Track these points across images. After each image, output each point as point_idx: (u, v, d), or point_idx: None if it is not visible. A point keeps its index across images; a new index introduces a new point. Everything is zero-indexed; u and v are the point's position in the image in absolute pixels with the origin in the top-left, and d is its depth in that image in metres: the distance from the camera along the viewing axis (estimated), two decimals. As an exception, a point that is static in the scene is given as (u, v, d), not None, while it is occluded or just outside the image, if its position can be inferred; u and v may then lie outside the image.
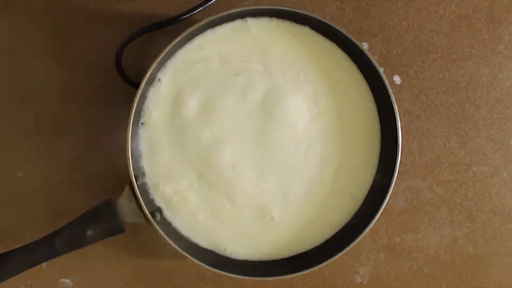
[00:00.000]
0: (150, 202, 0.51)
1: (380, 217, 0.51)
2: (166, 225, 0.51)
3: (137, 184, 0.48)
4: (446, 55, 0.59)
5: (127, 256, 0.58)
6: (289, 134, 0.51)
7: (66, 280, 0.57)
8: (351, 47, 0.51)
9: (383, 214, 0.52)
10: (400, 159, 0.50)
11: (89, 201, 0.50)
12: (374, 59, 0.50)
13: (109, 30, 0.56)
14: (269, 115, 0.51)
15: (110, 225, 0.48)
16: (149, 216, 0.48)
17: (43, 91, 0.57)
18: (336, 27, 0.49)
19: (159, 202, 0.51)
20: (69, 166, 0.57)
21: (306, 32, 0.52)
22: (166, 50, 0.48)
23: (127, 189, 0.49)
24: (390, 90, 0.50)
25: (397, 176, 0.50)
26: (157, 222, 0.49)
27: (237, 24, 0.51)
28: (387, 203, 0.50)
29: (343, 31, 0.49)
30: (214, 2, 0.54)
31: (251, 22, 0.51)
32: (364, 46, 0.58)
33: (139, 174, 0.51)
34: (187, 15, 0.54)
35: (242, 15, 0.51)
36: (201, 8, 0.54)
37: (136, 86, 0.48)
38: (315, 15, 0.50)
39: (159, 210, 0.51)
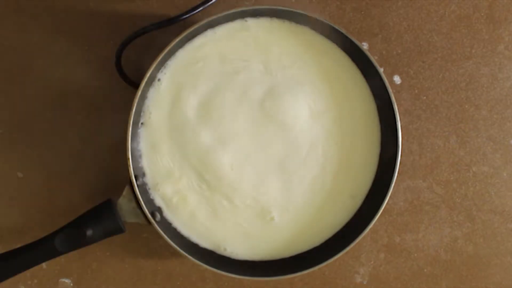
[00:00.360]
0: (150, 202, 0.51)
1: (380, 217, 0.51)
2: (166, 225, 0.51)
3: (137, 184, 0.48)
4: (446, 55, 0.59)
5: (127, 256, 0.58)
6: (289, 134, 0.51)
7: (66, 280, 0.57)
8: (351, 47, 0.51)
9: (383, 214, 0.52)
10: (400, 159, 0.50)
11: (89, 201, 0.50)
12: (374, 59, 0.50)
13: (109, 30, 0.56)
14: (269, 115, 0.51)
15: (110, 225, 0.48)
16: (149, 216, 0.48)
17: (43, 91, 0.57)
18: (336, 27, 0.49)
19: (159, 202, 0.51)
20: (69, 166, 0.57)
21: (306, 32, 0.52)
22: (166, 50, 0.48)
23: (127, 189, 0.49)
24: (390, 90, 0.50)
25: (397, 176, 0.50)
26: (157, 222, 0.49)
27: (237, 24, 0.51)
28: (387, 203, 0.50)
29: (343, 31, 0.49)
30: (214, 2, 0.54)
31: (251, 22, 0.51)
32: (364, 46, 0.58)
33: (139, 174, 0.51)
34: (187, 15, 0.54)
35: (242, 15, 0.51)
36: (201, 8, 0.54)
37: (136, 86, 0.48)
38: (315, 15, 0.50)
39: (159, 210, 0.51)
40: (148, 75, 0.48)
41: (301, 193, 0.52)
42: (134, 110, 0.48)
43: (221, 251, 0.52)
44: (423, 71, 0.59)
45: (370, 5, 0.58)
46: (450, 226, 0.59)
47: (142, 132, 0.51)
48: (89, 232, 0.48)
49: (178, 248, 0.49)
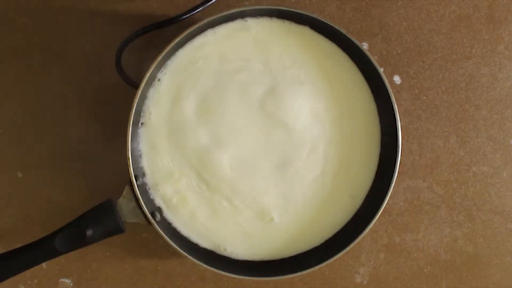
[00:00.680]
0: (150, 202, 0.51)
1: (380, 217, 0.51)
2: (166, 225, 0.51)
3: (137, 184, 0.48)
4: (446, 55, 0.59)
5: (127, 256, 0.58)
6: (290, 134, 0.51)
7: (66, 280, 0.57)
8: (351, 47, 0.51)
9: (383, 214, 0.52)
10: (400, 159, 0.50)
11: (89, 201, 0.50)
12: (374, 59, 0.50)
13: (109, 30, 0.56)
14: (269, 114, 0.51)
15: (110, 225, 0.48)
16: (149, 216, 0.48)
17: (43, 91, 0.57)
18: (336, 27, 0.49)
19: (159, 202, 0.51)
20: (69, 166, 0.57)
21: (306, 32, 0.52)
22: (166, 50, 0.48)
23: (127, 189, 0.49)
24: (390, 90, 0.50)
25: (397, 176, 0.50)
26: (157, 222, 0.49)
27: (237, 24, 0.51)
28: (387, 203, 0.50)
29: (343, 31, 0.49)
30: (214, 2, 0.54)
31: (251, 22, 0.51)
32: (364, 46, 0.58)
33: (139, 174, 0.51)
34: (187, 15, 0.54)
35: (242, 15, 0.51)
36: (201, 8, 0.54)
37: (136, 86, 0.48)
38: (315, 15, 0.50)
39: (159, 210, 0.51)
40: (148, 75, 0.48)
41: (302, 193, 0.52)
42: (134, 110, 0.48)
43: (221, 251, 0.52)
44: (423, 71, 0.59)
45: (370, 5, 0.58)
46: (450, 226, 0.59)
47: (142, 132, 0.51)
48: (89, 232, 0.48)
49: (178, 248, 0.49)
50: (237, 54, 0.51)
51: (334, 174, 0.52)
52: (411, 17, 0.58)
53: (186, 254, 0.49)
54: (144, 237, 0.57)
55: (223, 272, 0.49)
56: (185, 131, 0.50)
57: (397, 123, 0.50)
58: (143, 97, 0.50)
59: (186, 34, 0.48)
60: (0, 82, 0.57)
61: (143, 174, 0.51)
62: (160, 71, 0.51)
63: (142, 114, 0.51)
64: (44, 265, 0.57)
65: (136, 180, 0.48)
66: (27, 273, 0.50)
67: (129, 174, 0.48)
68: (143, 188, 0.51)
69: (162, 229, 0.49)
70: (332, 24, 0.49)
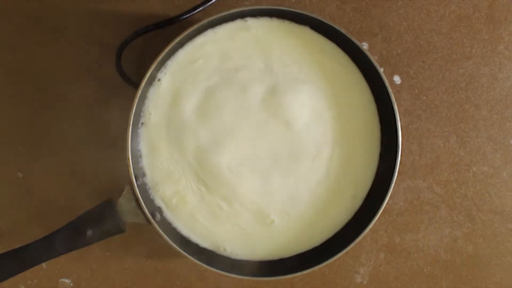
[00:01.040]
0: (150, 202, 0.51)
1: (380, 217, 0.51)
2: (166, 225, 0.51)
3: (137, 184, 0.48)
4: (446, 55, 0.59)
5: (127, 256, 0.58)
6: (291, 134, 0.51)
7: (66, 280, 0.57)
8: (351, 47, 0.51)
9: (383, 214, 0.52)
10: (400, 159, 0.50)
11: (89, 201, 0.50)
12: (374, 59, 0.49)
13: (109, 30, 0.56)
14: (270, 113, 0.51)
15: (110, 225, 0.48)
16: (149, 216, 0.48)
17: (43, 91, 0.57)
18: (336, 27, 0.49)
19: (159, 202, 0.51)
20: (69, 166, 0.57)
21: (306, 32, 0.52)
22: (166, 50, 0.48)
23: (127, 189, 0.49)
24: (390, 90, 0.50)
25: (397, 176, 0.50)
26: (157, 222, 0.49)
27: (237, 24, 0.51)
28: (387, 203, 0.50)
29: (343, 31, 0.49)
30: (214, 2, 0.54)
31: (251, 22, 0.51)
32: (364, 46, 0.58)
33: (139, 174, 0.51)
34: (187, 15, 0.54)
35: (242, 15, 0.51)
36: (201, 8, 0.54)
37: (136, 86, 0.48)
38: (315, 15, 0.50)
39: (159, 210, 0.51)
40: (148, 75, 0.48)
41: (305, 196, 0.51)
42: (134, 110, 0.48)
43: (221, 251, 0.52)
44: (423, 71, 0.59)
45: (370, 5, 0.58)
46: (450, 226, 0.59)
47: (142, 132, 0.51)
48: (89, 232, 0.48)
49: (178, 248, 0.48)
50: (237, 53, 0.51)
51: (337, 175, 0.52)
52: (411, 17, 0.58)
53: (186, 254, 0.49)
54: (144, 237, 0.57)
55: (223, 272, 0.49)
56: (185, 131, 0.50)
57: (397, 123, 0.50)
58: (143, 97, 0.50)
59: (186, 34, 0.48)
60: (0, 81, 0.57)
61: (143, 174, 0.51)
62: (160, 71, 0.51)
63: (142, 114, 0.51)
64: (44, 265, 0.57)
65: (136, 180, 0.48)
66: (27, 273, 0.50)
67: (129, 174, 0.48)
68: (143, 188, 0.51)
69: (162, 229, 0.49)
70: (332, 24, 0.49)
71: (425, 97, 0.59)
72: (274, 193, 0.51)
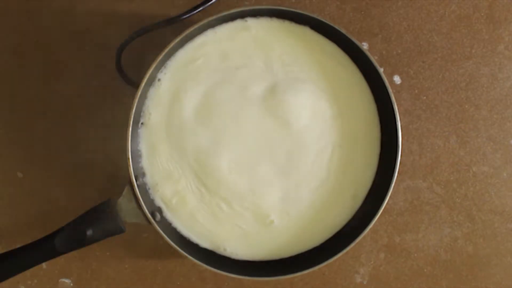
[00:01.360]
0: (150, 202, 0.51)
1: (380, 217, 0.51)
2: (166, 225, 0.51)
3: (137, 184, 0.48)
4: (446, 55, 0.59)
5: (127, 256, 0.58)
6: (292, 134, 0.51)
7: (66, 280, 0.57)
8: (351, 47, 0.51)
9: (383, 214, 0.52)
10: (400, 159, 0.50)
11: (89, 201, 0.50)
12: (374, 59, 0.49)
13: (109, 30, 0.56)
14: (270, 112, 0.50)
15: (110, 225, 0.48)
16: (149, 216, 0.48)
17: (43, 91, 0.57)
18: (336, 27, 0.49)
19: (158, 202, 0.51)
20: (69, 166, 0.57)
21: (306, 32, 0.52)
22: (166, 50, 0.48)
23: (127, 189, 0.49)
24: (390, 90, 0.50)
25: (397, 176, 0.50)
26: (157, 222, 0.49)
27: (237, 24, 0.51)
28: (387, 203, 0.50)
29: (343, 31, 0.49)
30: (214, 2, 0.54)
31: (251, 22, 0.51)
32: (364, 46, 0.58)
33: (139, 174, 0.51)
34: (187, 15, 0.54)
35: (242, 15, 0.51)
36: (201, 8, 0.54)
37: (136, 86, 0.48)
38: (315, 15, 0.50)
39: (159, 210, 0.51)
40: (148, 75, 0.48)
41: (305, 197, 0.51)
42: (134, 110, 0.48)
43: (221, 251, 0.52)
44: (423, 71, 0.59)
45: (370, 5, 0.58)
46: (450, 226, 0.59)
47: (142, 132, 0.51)
48: (89, 232, 0.48)
49: (178, 248, 0.48)
50: (237, 52, 0.51)
51: (337, 175, 0.52)
52: (411, 17, 0.58)
53: (186, 254, 0.49)
54: (144, 237, 0.57)
55: (223, 272, 0.49)
56: (184, 132, 0.50)
57: (397, 123, 0.50)
58: (143, 97, 0.50)
59: (186, 34, 0.48)
60: (0, 81, 0.57)
61: (143, 174, 0.51)
62: (160, 71, 0.51)
63: (142, 114, 0.51)
64: (44, 265, 0.57)
65: (136, 180, 0.48)
66: (27, 273, 0.50)
67: (129, 174, 0.48)
68: (143, 188, 0.51)
69: (162, 229, 0.49)
70: (332, 24, 0.49)
71: (425, 97, 0.59)
72: (274, 194, 0.51)
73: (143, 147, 0.51)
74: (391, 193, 0.50)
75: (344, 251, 0.50)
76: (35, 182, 0.57)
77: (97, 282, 0.58)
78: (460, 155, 0.59)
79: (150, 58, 0.48)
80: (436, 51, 0.58)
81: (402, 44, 0.58)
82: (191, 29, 0.48)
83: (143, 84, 0.48)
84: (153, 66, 0.48)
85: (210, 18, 0.49)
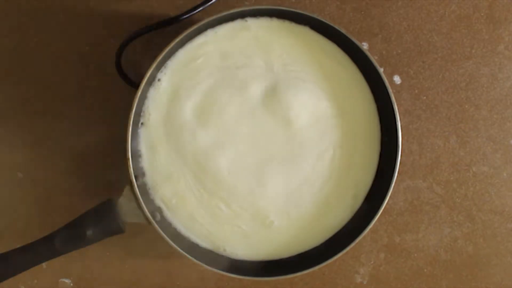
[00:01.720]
0: (150, 202, 0.51)
1: (380, 217, 0.51)
2: (166, 225, 0.51)
3: (137, 184, 0.48)
4: (446, 55, 0.59)
5: (127, 256, 0.58)
6: (292, 134, 0.51)
7: (66, 280, 0.57)
8: (351, 47, 0.51)
9: (383, 214, 0.52)
10: (400, 159, 0.50)
11: (89, 201, 0.50)
12: (374, 59, 0.49)
13: (109, 30, 0.56)
14: (271, 111, 0.50)
15: (110, 225, 0.48)
16: (149, 216, 0.48)
17: (43, 91, 0.57)
18: (336, 27, 0.49)
19: (158, 202, 0.51)
20: (69, 166, 0.57)
21: (306, 32, 0.52)
22: (166, 50, 0.48)
23: (127, 189, 0.49)
24: (390, 90, 0.50)
25: (397, 176, 0.50)
26: (157, 222, 0.49)
27: (238, 23, 0.51)
28: (387, 203, 0.50)
29: (343, 31, 0.49)
30: (214, 2, 0.54)
31: (251, 22, 0.51)
32: (364, 46, 0.58)
33: (139, 174, 0.51)
34: (187, 15, 0.54)
35: (242, 15, 0.51)
36: (201, 8, 0.54)
37: (136, 86, 0.48)
38: (315, 15, 0.50)
39: (159, 210, 0.51)
40: (148, 75, 0.48)
41: (306, 199, 0.51)
42: (134, 110, 0.48)
43: (221, 251, 0.52)
44: (423, 71, 0.59)
45: (370, 5, 0.58)
46: (450, 226, 0.59)
47: (142, 132, 0.51)
48: (89, 232, 0.48)
49: (178, 248, 0.48)
50: (237, 51, 0.51)
51: (338, 176, 0.52)
52: (411, 17, 0.58)
53: (186, 254, 0.49)
54: (144, 237, 0.57)
55: (223, 272, 0.49)
56: (184, 132, 0.50)
57: (397, 123, 0.50)
58: (143, 97, 0.50)
59: (186, 34, 0.48)
60: (0, 81, 0.57)
61: (143, 174, 0.51)
62: (160, 71, 0.51)
63: (142, 114, 0.51)
64: (44, 265, 0.57)
65: (136, 180, 0.48)
66: (27, 273, 0.50)
67: (129, 174, 0.48)
68: (143, 188, 0.51)
69: (162, 229, 0.49)
70: (332, 24, 0.49)
71: (425, 97, 0.59)
72: (274, 195, 0.51)
73: (143, 147, 0.51)
74: (391, 193, 0.50)
75: (344, 251, 0.50)
76: (35, 182, 0.57)
77: (97, 282, 0.58)
78: (460, 155, 0.59)
79: (150, 58, 0.48)
80: (436, 51, 0.58)
81: (402, 44, 0.58)
82: (191, 29, 0.48)
83: (143, 84, 0.48)
84: (153, 66, 0.48)
85: (210, 18, 0.49)
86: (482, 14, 0.59)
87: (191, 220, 0.51)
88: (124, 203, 0.49)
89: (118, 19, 0.56)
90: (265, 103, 0.50)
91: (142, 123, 0.51)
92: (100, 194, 0.51)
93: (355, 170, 0.52)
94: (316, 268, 0.50)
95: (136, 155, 0.51)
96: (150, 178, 0.51)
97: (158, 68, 0.50)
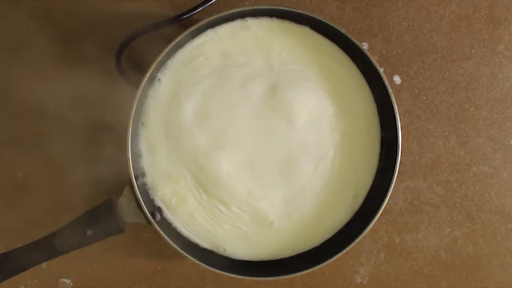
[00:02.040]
0: (150, 202, 0.51)
1: (380, 217, 0.51)
2: (166, 225, 0.51)
3: (137, 184, 0.48)
4: (446, 55, 0.59)
5: (127, 256, 0.58)
6: (291, 135, 0.51)
7: (66, 280, 0.57)
8: (351, 47, 0.51)
9: (383, 214, 0.52)
10: (400, 159, 0.50)
11: (89, 201, 0.50)
12: (374, 59, 0.50)
13: (109, 30, 0.56)
14: (271, 110, 0.50)
15: (110, 225, 0.48)
16: (149, 216, 0.48)
17: (43, 91, 0.57)
18: (336, 27, 0.49)
19: (158, 202, 0.51)
20: (69, 166, 0.57)
21: (306, 32, 0.52)
22: (166, 50, 0.48)
23: (127, 189, 0.49)
24: (390, 90, 0.50)
25: (397, 176, 0.50)
26: (157, 222, 0.49)
27: (238, 24, 0.51)
28: (387, 203, 0.50)
29: (343, 31, 0.49)
30: (214, 2, 0.54)
31: (251, 22, 0.51)
32: (364, 46, 0.58)
33: (139, 174, 0.51)
34: (187, 15, 0.54)
35: (242, 15, 0.51)
36: (201, 8, 0.54)
37: (136, 86, 0.48)
38: (315, 15, 0.50)
39: (159, 210, 0.51)
40: (148, 75, 0.48)
41: (307, 200, 0.51)
42: (134, 110, 0.48)
43: (221, 251, 0.52)
44: (423, 71, 0.59)
45: (370, 5, 0.58)
46: (450, 226, 0.59)
47: (142, 132, 0.51)
48: (89, 232, 0.48)
49: (178, 248, 0.48)
50: (238, 51, 0.51)
51: (339, 176, 0.52)
52: (411, 17, 0.58)
53: (186, 254, 0.49)
54: (144, 237, 0.57)
55: (223, 272, 0.49)
56: (183, 133, 0.50)
57: (397, 123, 0.50)
58: (143, 97, 0.50)
59: (186, 34, 0.48)
60: (0, 82, 0.57)
61: (143, 174, 0.51)
62: (160, 71, 0.51)
63: (142, 114, 0.51)
64: (44, 265, 0.57)
65: (136, 180, 0.48)
66: (27, 273, 0.50)
67: (129, 174, 0.48)
68: (143, 188, 0.51)
69: (162, 229, 0.49)
70: (332, 24, 0.49)
71: (425, 97, 0.59)
72: (274, 196, 0.51)
73: (143, 147, 0.51)
74: (391, 193, 0.50)
75: (344, 251, 0.50)
76: (35, 182, 0.57)
77: (97, 282, 0.58)
78: (460, 155, 0.59)
79: (150, 58, 0.48)
80: (436, 51, 0.58)
81: (402, 44, 0.58)
82: (191, 29, 0.48)
83: (143, 84, 0.48)
84: (153, 66, 0.48)
85: (210, 18, 0.49)
86: (482, 14, 0.59)
87: (191, 220, 0.51)
88: (124, 203, 0.49)
89: (118, 19, 0.56)
90: (265, 102, 0.50)
91: (142, 123, 0.51)
92: (100, 194, 0.51)
93: (355, 170, 0.52)
94: (316, 268, 0.50)
95: (136, 155, 0.51)
96: (150, 178, 0.51)
97: (158, 68, 0.50)
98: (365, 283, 0.59)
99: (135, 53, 0.56)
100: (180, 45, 0.51)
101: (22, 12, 0.57)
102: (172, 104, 0.50)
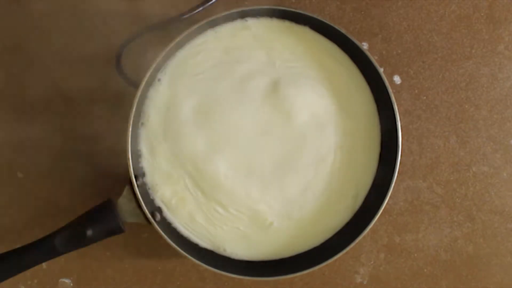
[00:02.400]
0: (150, 202, 0.51)
1: (380, 217, 0.51)
2: (166, 225, 0.51)
3: (137, 184, 0.48)
4: (446, 55, 0.59)
5: (127, 256, 0.58)
6: (292, 135, 0.51)
7: (66, 280, 0.57)
8: (351, 47, 0.51)
9: (383, 214, 0.52)
10: (400, 159, 0.50)
11: (89, 201, 0.50)
12: (374, 59, 0.49)
13: (109, 30, 0.56)
14: (272, 107, 0.50)
15: (110, 225, 0.48)
16: (149, 216, 0.48)
17: (43, 91, 0.57)
18: (336, 27, 0.49)
19: (158, 202, 0.51)
20: (69, 166, 0.57)
21: (306, 32, 0.52)
22: (166, 50, 0.48)
23: (127, 189, 0.49)
24: (390, 90, 0.50)
25: (397, 176, 0.50)
26: (157, 222, 0.49)
27: (238, 24, 0.51)
28: (387, 203, 0.50)
29: (343, 31, 0.49)
30: (214, 2, 0.54)
31: (251, 22, 0.51)
32: (364, 46, 0.58)
33: (139, 174, 0.51)
34: (187, 15, 0.54)
35: (242, 15, 0.51)
36: (201, 8, 0.54)
37: (136, 86, 0.48)
38: (315, 15, 0.50)
39: (159, 210, 0.51)
40: (148, 75, 0.48)
41: (307, 201, 0.51)
42: (134, 110, 0.48)
43: (220, 251, 0.52)
44: (423, 71, 0.59)
45: (370, 5, 0.58)
46: (450, 226, 0.59)
47: (142, 132, 0.51)
48: (89, 232, 0.48)
49: (178, 248, 0.48)
50: (238, 49, 0.51)
51: (339, 177, 0.52)
52: (411, 17, 0.58)
53: (186, 254, 0.49)
54: (144, 237, 0.57)
55: (223, 272, 0.49)
56: (182, 134, 0.50)
57: (397, 123, 0.50)
58: (143, 97, 0.50)
59: (186, 34, 0.48)
60: (0, 82, 0.57)
61: (143, 174, 0.51)
62: (160, 71, 0.51)
63: (142, 114, 0.51)
64: (44, 265, 0.57)
65: (136, 180, 0.48)
66: (27, 273, 0.50)
67: (129, 174, 0.48)
68: (143, 188, 0.51)
69: (162, 229, 0.49)
70: (332, 24, 0.49)
71: (425, 97, 0.59)
72: (273, 197, 0.51)
73: (143, 147, 0.51)
74: (391, 193, 0.50)
75: (344, 251, 0.50)
76: (35, 182, 0.57)
77: (97, 282, 0.58)
78: (460, 155, 0.59)
79: (150, 58, 0.48)
80: (436, 51, 0.59)
81: (402, 44, 0.58)
82: (191, 29, 0.48)
83: (143, 84, 0.48)
84: (153, 66, 0.48)
85: (210, 18, 0.49)
86: (482, 14, 0.59)
87: (190, 220, 0.51)
88: (124, 203, 0.49)
89: (118, 19, 0.56)
90: (266, 99, 0.50)
91: (142, 123, 0.51)
92: (100, 194, 0.51)
93: (356, 170, 0.52)
94: (316, 268, 0.50)
95: (136, 155, 0.51)
96: (150, 178, 0.51)
97: (158, 68, 0.50)
98: (365, 283, 0.59)
99: (135, 53, 0.56)
100: (180, 45, 0.51)
101: (22, 12, 0.57)
102: (172, 104, 0.50)
